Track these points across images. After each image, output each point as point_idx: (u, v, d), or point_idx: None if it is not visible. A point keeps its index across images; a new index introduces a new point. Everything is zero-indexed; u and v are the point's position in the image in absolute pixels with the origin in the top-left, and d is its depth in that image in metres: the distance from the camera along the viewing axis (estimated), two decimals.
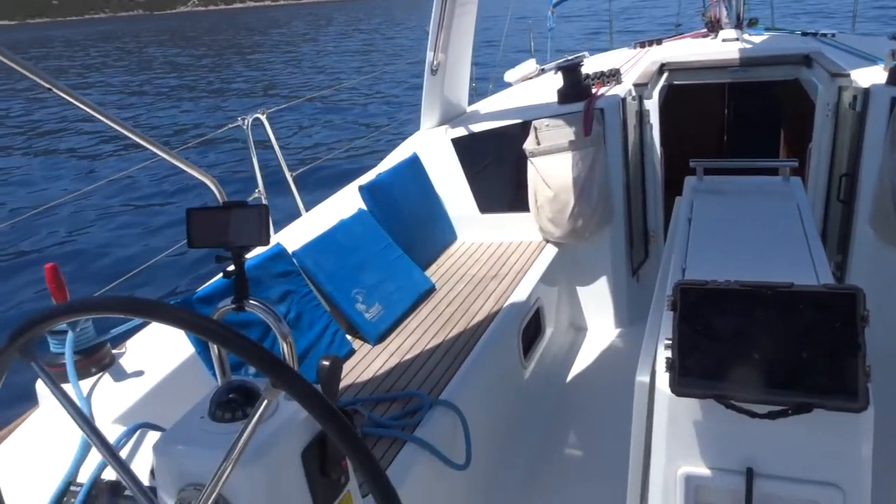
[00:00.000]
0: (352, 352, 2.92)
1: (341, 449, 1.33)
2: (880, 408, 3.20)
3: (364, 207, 3.55)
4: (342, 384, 2.70)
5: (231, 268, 1.60)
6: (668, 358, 1.55)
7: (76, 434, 1.90)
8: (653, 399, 1.69)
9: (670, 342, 1.56)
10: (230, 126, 4.37)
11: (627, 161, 4.05)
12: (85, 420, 1.41)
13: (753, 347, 1.49)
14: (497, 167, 4.17)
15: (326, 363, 1.51)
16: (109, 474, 1.81)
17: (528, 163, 3.88)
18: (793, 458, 1.56)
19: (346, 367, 2.83)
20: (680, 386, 1.52)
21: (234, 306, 1.59)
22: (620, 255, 4.06)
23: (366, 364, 2.84)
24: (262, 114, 4.22)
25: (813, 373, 1.44)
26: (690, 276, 1.86)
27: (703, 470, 1.63)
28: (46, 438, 2.00)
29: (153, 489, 1.49)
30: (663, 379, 1.58)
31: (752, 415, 1.49)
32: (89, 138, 15.62)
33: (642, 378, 1.74)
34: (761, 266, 1.98)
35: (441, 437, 2.39)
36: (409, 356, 2.87)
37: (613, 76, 4.24)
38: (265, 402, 1.24)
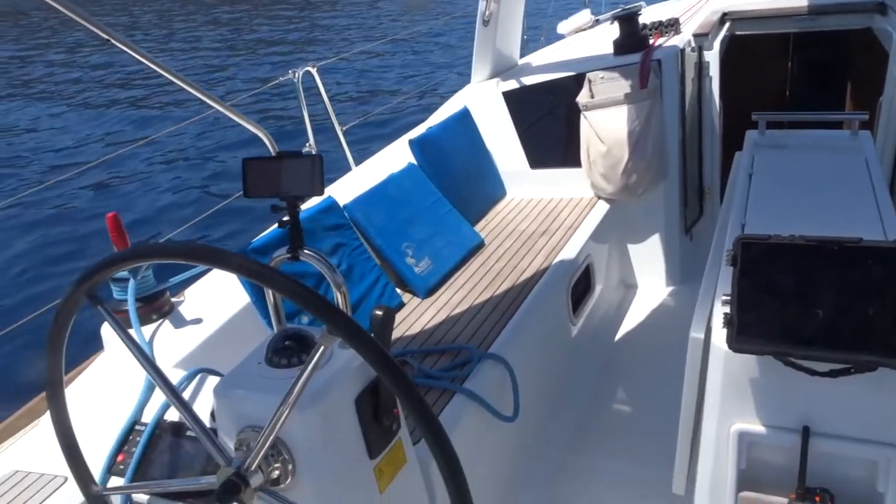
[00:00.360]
0: (401, 305, 2.95)
1: (394, 394, 1.36)
2: None
3: (414, 162, 3.55)
4: (393, 336, 2.74)
5: (286, 218, 1.62)
6: (725, 314, 1.52)
7: (140, 377, 1.98)
8: (707, 355, 1.67)
9: (728, 298, 1.53)
10: (281, 79, 4.38)
11: (684, 115, 3.93)
12: (149, 362, 1.46)
13: (816, 304, 1.45)
14: (549, 121, 4.10)
15: (379, 313, 1.53)
16: (172, 415, 1.88)
17: (581, 116, 3.80)
18: (852, 417, 1.53)
19: (396, 320, 2.86)
20: (738, 342, 1.49)
21: (289, 256, 1.61)
22: (674, 213, 3.97)
23: (415, 317, 2.87)
24: (313, 67, 4.21)
25: (879, 331, 1.40)
26: (750, 231, 1.81)
27: (757, 427, 1.61)
28: (112, 381, 2.08)
29: (214, 430, 1.54)
30: (720, 335, 1.56)
31: (812, 373, 1.45)
32: (145, 90, 15.88)
33: (696, 334, 1.72)
34: (826, 222, 1.91)
35: (490, 389, 2.41)
36: (457, 310, 2.89)
37: (672, 26, 4.09)
38: (321, 348, 1.27)
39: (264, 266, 1.19)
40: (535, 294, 2.97)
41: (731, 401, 1.62)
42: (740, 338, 1.49)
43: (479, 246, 3.45)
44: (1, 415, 2.31)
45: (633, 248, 4.09)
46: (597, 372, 3.34)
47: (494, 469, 2.53)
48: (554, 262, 3.25)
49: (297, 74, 4.13)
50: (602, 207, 3.86)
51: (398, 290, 3.02)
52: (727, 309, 1.53)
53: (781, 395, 1.58)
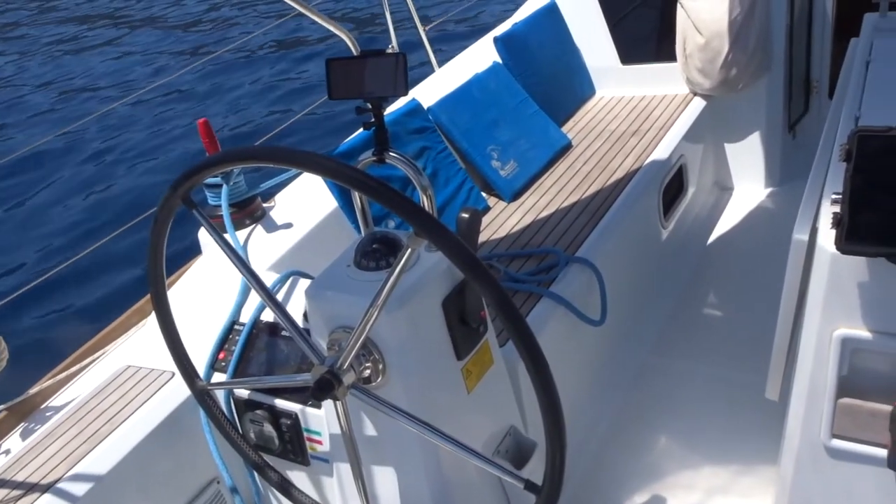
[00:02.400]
0: (487, 209, 2.93)
1: (481, 295, 1.36)
2: None
3: (499, 60, 3.42)
4: (479, 240, 2.74)
5: (371, 120, 1.60)
6: (835, 213, 1.42)
7: (236, 279, 2.06)
8: (811, 258, 1.58)
9: (839, 196, 1.42)
10: None
11: (793, 1, 3.60)
12: (244, 265, 1.51)
13: None
14: (642, 12, 3.85)
15: (466, 215, 1.51)
16: (268, 316, 1.96)
17: (678, 5, 3.54)
18: None
19: (483, 223, 2.85)
20: (847, 243, 1.39)
21: (374, 158, 1.60)
22: (777, 109, 3.71)
23: (501, 221, 2.85)
24: None
25: None
26: (865, 124, 1.66)
27: (862, 332, 1.52)
28: (210, 283, 2.18)
29: (307, 330, 1.60)
30: (827, 236, 1.46)
31: None
32: None
33: (800, 236, 1.62)
34: None
35: (577, 293, 2.39)
36: (544, 214, 2.84)
37: None
38: (409, 250, 1.27)
39: (350, 168, 1.18)
40: (625, 197, 2.88)
41: (836, 305, 1.54)
42: (851, 239, 1.39)
43: (567, 147, 3.35)
44: (113, 314, 2.48)
45: (729, 148, 3.87)
46: (688, 276, 3.25)
47: (581, 371, 2.54)
48: (645, 163, 3.12)
49: None
50: (698, 104, 3.64)
51: (483, 194, 2.99)
52: (836, 208, 1.42)
53: (892, 299, 1.48)
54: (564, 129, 3.58)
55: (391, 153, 1.61)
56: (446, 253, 1.16)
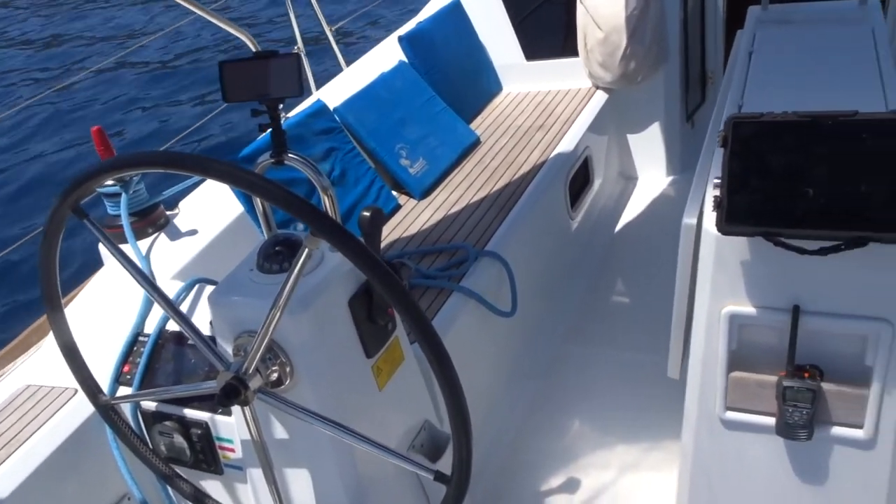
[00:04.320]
0: (397, 207, 2.94)
1: (379, 290, 1.37)
2: None
3: (405, 59, 3.44)
4: (390, 239, 2.75)
5: (268, 122, 1.59)
6: (715, 196, 1.50)
7: (139, 290, 2.00)
8: (699, 240, 1.67)
9: (719, 181, 1.50)
10: None
11: None
12: (141, 274, 1.47)
13: (808, 181, 1.42)
14: (545, 9, 3.94)
15: (368, 214, 1.52)
16: (174, 325, 1.92)
17: (577, 2, 3.65)
18: (842, 293, 1.54)
19: (393, 222, 2.86)
20: (727, 224, 1.48)
21: (272, 160, 1.59)
22: (674, 100, 3.87)
23: (412, 219, 2.87)
24: None
25: (871, 206, 1.38)
26: (748, 111, 1.76)
27: (747, 308, 1.62)
28: (113, 295, 2.11)
29: (213, 338, 1.57)
30: (710, 218, 1.55)
31: (802, 251, 1.45)
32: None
33: (689, 220, 1.70)
34: (827, 98, 1.86)
35: (487, 286, 2.44)
36: (454, 209, 2.88)
37: None
38: (306, 250, 1.27)
39: (242, 170, 1.17)
40: (532, 190, 2.95)
41: (722, 283, 1.63)
42: (729, 220, 1.48)
43: (475, 143, 3.40)
44: (14, 332, 2.36)
45: (632, 139, 4.02)
46: (596, 264, 3.36)
47: (496, 362, 2.59)
48: (551, 156, 3.21)
49: None
50: (600, 97, 3.77)
51: (394, 193, 3.00)
52: (717, 192, 1.51)
53: (771, 275, 1.58)
54: (472, 125, 3.63)
55: (290, 155, 1.60)
56: (341, 250, 1.16)
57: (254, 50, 2.84)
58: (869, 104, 1.75)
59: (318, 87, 3.63)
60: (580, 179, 3.49)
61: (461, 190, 3.03)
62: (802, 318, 1.57)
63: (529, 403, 2.61)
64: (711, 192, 1.58)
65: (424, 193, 3.02)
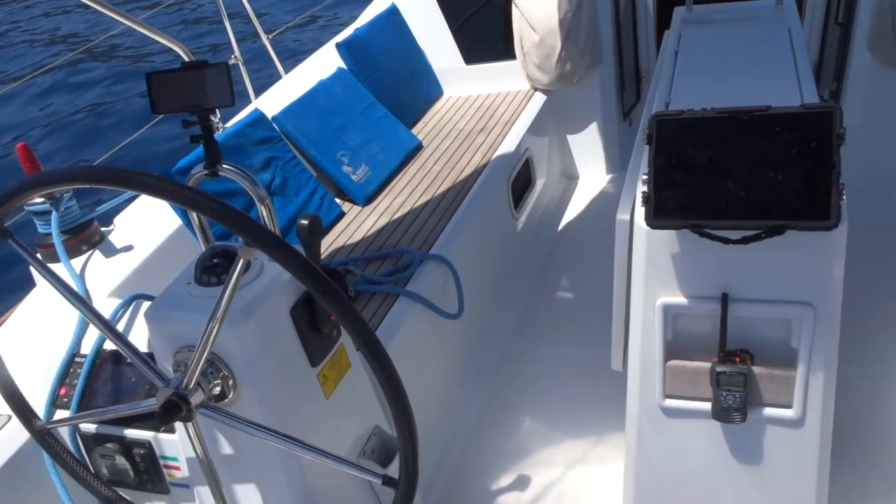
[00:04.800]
0: (341, 214, 2.94)
1: (313, 294, 1.37)
2: (857, 227, 3.25)
3: (343, 66, 3.44)
4: (335, 246, 2.74)
5: (199, 133, 1.57)
6: (643, 192, 1.55)
7: (74, 309, 1.95)
8: (632, 236, 1.71)
9: (647, 177, 1.55)
10: None
11: None
12: (72, 293, 1.44)
13: (728, 174, 1.48)
14: (482, 14, 3.99)
15: (305, 222, 1.52)
16: (111, 344, 1.87)
17: (513, 6, 3.70)
18: (766, 280, 1.60)
19: (337, 229, 2.85)
20: (655, 219, 1.53)
21: (206, 172, 1.58)
22: (611, 99, 3.96)
23: (356, 225, 2.87)
24: None
25: (787, 195, 1.45)
26: (675, 108, 1.82)
27: (680, 299, 1.67)
28: (47, 315, 2.06)
29: (151, 355, 1.55)
30: (641, 214, 1.59)
31: (726, 241, 1.50)
32: (46, 6, 14.76)
33: (623, 216, 1.75)
34: (747, 94, 1.93)
35: (433, 289, 2.45)
36: (398, 214, 2.89)
37: None
38: (241, 261, 1.26)
39: (172, 183, 1.16)
40: (475, 192, 2.98)
41: (655, 276, 1.68)
42: (657, 214, 1.53)
43: (418, 148, 3.41)
44: None
45: (572, 139, 4.10)
46: (541, 263, 3.41)
47: (445, 364, 2.61)
48: (493, 158, 3.24)
49: None
50: (539, 99, 3.83)
51: (337, 200, 3.00)
52: (646, 188, 1.56)
53: (700, 266, 1.63)
54: (414, 130, 3.65)
55: (224, 165, 1.59)
56: (273, 256, 1.16)
57: (186, 59, 2.79)
58: (786, 98, 1.82)
59: (257, 96, 3.60)
60: (522, 180, 3.54)
61: (405, 195, 3.04)
62: (731, 306, 1.63)
63: (481, 403, 2.63)
64: (641, 189, 1.63)
65: (368, 199, 3.03)
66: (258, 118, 2.80)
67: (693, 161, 1.50)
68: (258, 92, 3.72)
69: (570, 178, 4.16)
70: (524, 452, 2.40)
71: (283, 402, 1.55)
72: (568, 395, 2.59)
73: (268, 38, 4.33)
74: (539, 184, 3.74)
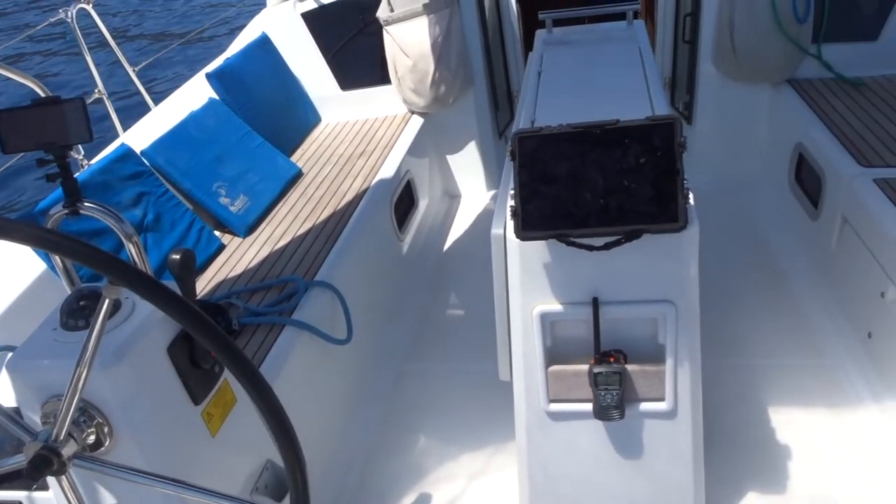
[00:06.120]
0: (221, 247, 2.87)
1: (181, 325, 1.33)
2: (713, 227, 3.49)
3: (215, 96, 3.37)
4: (216, 279, 2.67)
5: (55, 171, 1.51)
6: (511, 206, 1.62)
7: None
8: (506, 249, 1.78)
9: (514, 191, 1.62)
10: (52, 21, 3.94)
11: (485, 21, 3.99)
12: None
13: (587, 185, 1.58)
14: (354, 40, 4.02)
15: (177, 257, 1.48)
16: None
17: (385, 32, 3.76)
18: (631, 282, 1.71)
19: (218, 262, 2.78)
20: (523, 231, 1.60)
21: (66, 211, 1.51)
22: (486, 119, 4.09)
23: (238, 257, 2.81)
24: (87, 3, 3.82)
25: (639, 201, 1.55)
26: (539, 125, 1.92)
27: (555, 306, 1.75)
28: None
29: (17, 409, 1.45)
30: (511, 227, 1.66)
31: (590, 248, 1.60)
32: None
33: (497, 230, 1.82)
34: (604, 109, 2.06)
35: (320, 316, 2.44)
36: (281, 243, 2.85)
37: None
38: (106, 300, 1.21)
39: (22, 223, 1.10)
40: (358, 216, 2.99)
41: (530, 286, 1.75)
42: (525, 227, 1.60)
43: (298, 176, 3.39)
44: None
45: (451, 159, 4.19)
46: (429, 282, 3.45)
47: (337, 390, 2.59)
48: (373, 182, 3.27)
49: (70, 13, 3.74)
50: (417, 122, 3.90)
51: (217, 233, 2.92)
52: (513, 202, 1.63)
53: (570, 273, 1.72)
54: (293, 158, 3.62)
55: (86, 203, 1.53)
56: (138, 292, 1.13)
57: (43, 96, 2.66)
58: (639, 111, 1.96)
59: (125, 130, 3.46)
60: (405, 202, 3.58)
61: (287, 223, 3.01)
62: (602, 309, 1.73)
63: (377, 426, 2.63)
64: (510, 203, 1.70)
65: (249, 230, 2.97)
66: (125, 153, 2.70)
67: (554, 174, 1.59)
68: (126, 126, 3.58)
69: (452, 196, 4.25)
70: (423, 471, 2.41)
71: (166, 444, 1.50)
72: (462, 410, 2.63)
73: (134, 70, 4.18)
74: (422, 204, 3.80)
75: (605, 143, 1.57)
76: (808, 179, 3.12)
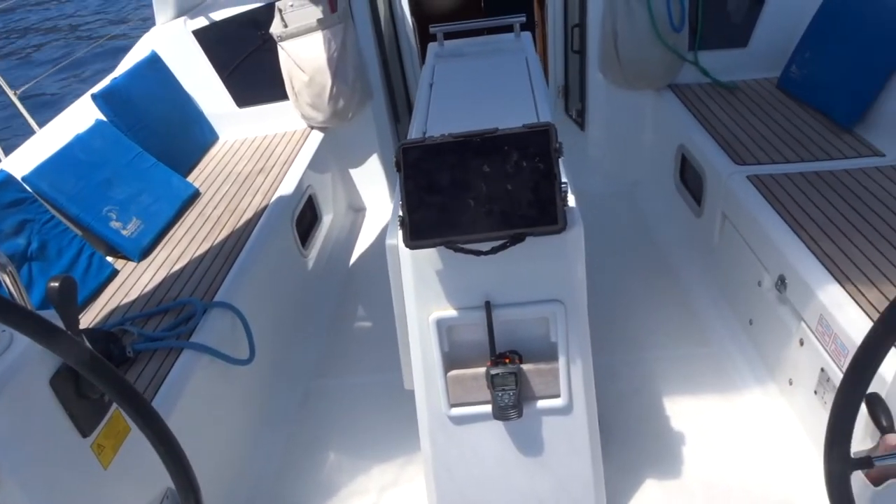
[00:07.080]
0: (114, 273, 2.77)
1: (68, 363, 1.29)
2: (605, 227, 3.62)
3: (103, 118, 3.26)
4: (109, 307, 2.58)
5: None
6: (399, 216, 1.65)
7: None
8: (399, 258, 1.81)
9: (401, 201, 1.65)
10: None
11: (381, 35, 4.03)
12: None
13: (470, 192, 1.62)
14: (248, 56, 3.98)
15: (55, 284, 1.43)
16: None
17: (279, 48, 3.74)
18: (522, 284, 1.77)
19: (111, 288, 2.69)
20: (412, 240, 1.63)
21: None
22: (386, 131, 4.12)
23: (132, 282, 2.72)
24: None
25: (521, 205, 1.61)
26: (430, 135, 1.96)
27: (450, 312, 1.79)
28: None
29: None
30: (401, 237, 1.69)
31: (478, 253, 1.64)
32: None
33: (391, 241, 1.84)
34: (492, 118, 2.12)
35: (221, 337, 2.39)
36: (178, 266, 2.78)
37: None
38: None
39: None
40: (258, 234, 2.95)
41: (424, 294, 1.79)
42: (413, 236, 1.63)
43: (195, 195, 3.32)
44: None
45: (354, 172, 4.20)
46: (336, 296, 3.44)
47: (241, 411, 2.54)
48: (273, 198, 3.24)
49: None
50: (317, 137, 3.88)
51: (109, 258, 2.82)
52: (401, 212, 1.66)
53: (462, 279, 1.77)
54: (190, 177, 3.54)
55: None
56: (7, 324, 1.09)
57: None
58: (524, 119, 2.03)
59: (6, 155, 3.29)
60: (308, 217, 3.56)
61: (184, 244, 2.94)
62: (495, 312, 1.78)
63: (285, 444, 2.59)
64: (399, 213, 1.73)
65: (143, 254, 2.88)
66: (5, 179, 2.57)
67: (439, 183, 1.63)
68: (7, 151, 3.41)
69: (357, 210, 4.26)
70: (335, 487, 2.40)
71: (52, 482, 1.44)
72: (371, 422, 2.63)
73: (14, 93, 3.99)
74: (326, 219, 3.79)
75: (486, 151, 1.62)
76: (691, 179, 3.30)
